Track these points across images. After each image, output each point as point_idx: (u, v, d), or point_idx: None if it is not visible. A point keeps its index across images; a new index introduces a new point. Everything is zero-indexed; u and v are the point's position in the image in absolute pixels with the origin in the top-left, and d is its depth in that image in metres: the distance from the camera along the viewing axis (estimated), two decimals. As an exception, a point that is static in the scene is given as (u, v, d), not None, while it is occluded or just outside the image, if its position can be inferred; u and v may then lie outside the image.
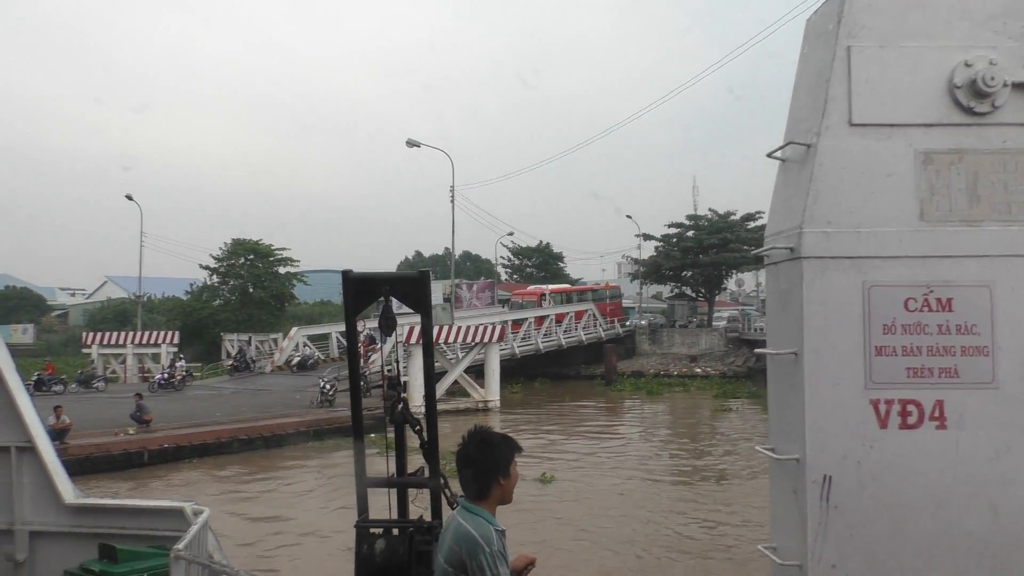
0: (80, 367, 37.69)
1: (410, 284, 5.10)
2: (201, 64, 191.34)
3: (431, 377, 5.39)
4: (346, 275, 5.07)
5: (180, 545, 4.60)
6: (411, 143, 35.62)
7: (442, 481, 5.26)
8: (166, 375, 33.58)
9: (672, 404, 35.22)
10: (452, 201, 38.81)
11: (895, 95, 3.71)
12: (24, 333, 59.36)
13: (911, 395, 3.65)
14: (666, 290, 60.03)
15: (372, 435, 25.04)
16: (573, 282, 75.42)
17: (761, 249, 4.13)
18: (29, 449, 5.64)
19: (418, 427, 5.29)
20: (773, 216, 4.16)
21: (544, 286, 53.55)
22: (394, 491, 5.29)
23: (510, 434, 3.27)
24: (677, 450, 23.53)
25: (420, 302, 5.07)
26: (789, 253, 3.81)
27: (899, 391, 3.65)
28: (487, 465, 3.06)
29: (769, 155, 4.13)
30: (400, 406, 5.24)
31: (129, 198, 44.76)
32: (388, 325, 5.07)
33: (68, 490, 5.64)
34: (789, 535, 3.82)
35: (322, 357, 41.61)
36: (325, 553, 12.42)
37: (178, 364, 35.66)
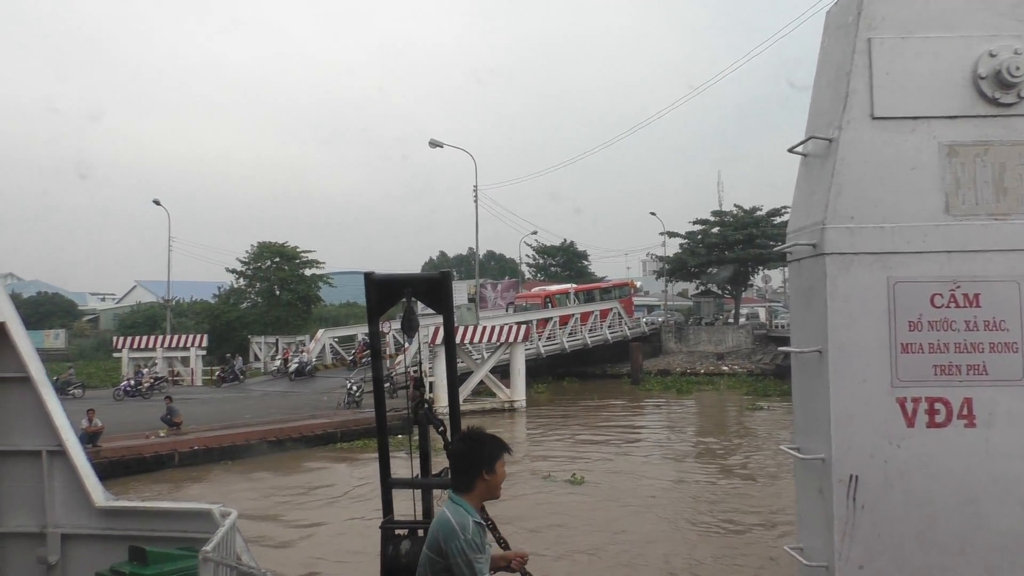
0: (109, 371, 38.16)
1: (432, 285, 5.12)
2: (225, 71, 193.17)
3: (453, 377, 5.40)
4: (368, 277, 5.10)
5: (208, 547, 4.65)
6: (434, 143, 35.70)
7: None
8: (132, 382, 33.61)
9: (702, 402, 34.86)
10: (476, 201, 38.86)
11: (917, 87, 3.66)
12: (56, 338, 60.33)
13: (938, 393, 3.60)
14: (691, 287, 59.65)
15: (399, 436, 25.00)
16: (598, 280, 75.30)
17: (784, 246, 4.09)
18: (60, 453, 5.73)
19: (442, 428, 5.31)
20: (795, 212, 4.12)
21: (548, 287, 52.53)
22: (419, 492, 5.32)
23: (498, 435, 3.43)
24: (707, 450, 23.20)
25: (442, 303, 5.09)
26: (812, 249, 3.77)
27: (926, 389, 3.60)
28: (472, 460, 3.26)
29: (790, 150, 4.09)
30: (424, 407, 5.26)
31: (157, 203, 45.34)
32: (411, 326, 5.09)
33: (98, 493, 5.72)
34: (815, 535, 3.78)
35: (323, 364, 41.72)
36: (352, 554, 12.48)
37: (236, 365, 38.09)
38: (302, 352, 40.85)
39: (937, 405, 3.58)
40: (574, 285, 52.39)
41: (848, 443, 3.57)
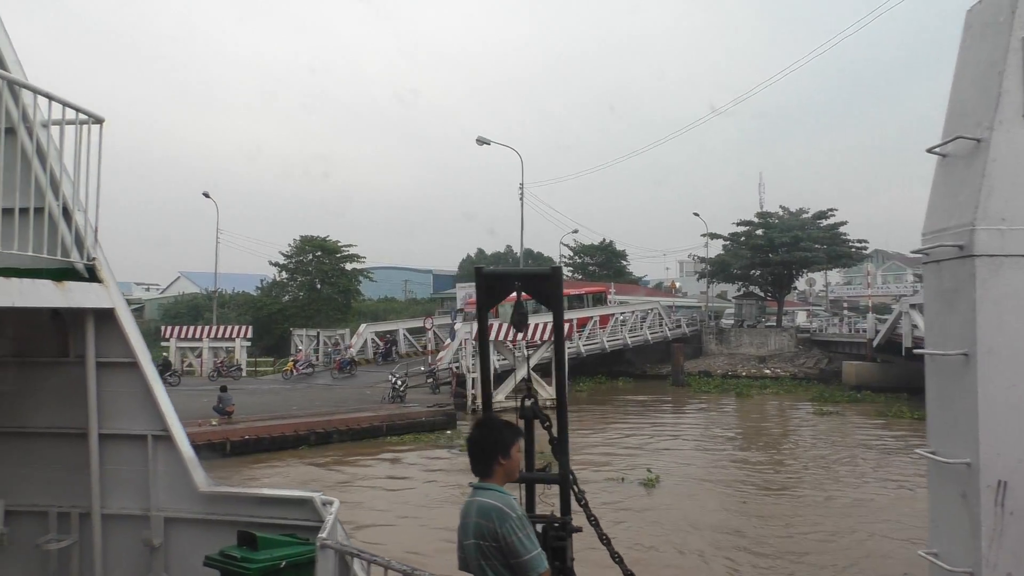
0: (157, 360, 38.87)
1: (541, 280, 5.12)
2: (269, 67, 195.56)
3: (562, 372, 5.39)
4: (479, 271, 5.14)
5: (323, 534, 4.71)
6: (481, 140, 35.76)
7: (571, 477, 5.29)
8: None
9: (761, 406, 34.27)
10: (521, 199, 38.87)
11: None
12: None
13: (1093, 397, 3.52)
14: (733, 289, 59.08)
15: (447, 431, 25.07)
16: (636, 281, 74.84)
17: (921, 248, 4.03)
18: (165, 438, 5.83)
19: (547, 423, 5.32)
20: (933, 213, 4.05)
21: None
22: (522, 487, 5.34)
23: (512, 422, 3.62)
24: (783, 452, 22.69)
25: (551, 297, 5.09)
26: (957, 251, 3.71)
27: (1081, 393, 3.52)
28: (488, 446, 3.41)
29: (930, 150, 4.03)
30: (530, 401, 5.27)
31: (206, 195, 45.96)
32: (520, 321, 5.10)
33: (201, 478, 5.81)
34: (955, 541, 3.72)
35: (364, 359, 42.07)
36: (443, 546, 12.51)
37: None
38: (349, 347, 41.31)
39: (1091, 411, 3.51)
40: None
41: (997, 448, 3.50)
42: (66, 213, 5.51)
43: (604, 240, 71.85)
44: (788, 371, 43.10)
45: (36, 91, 5.03)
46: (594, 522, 5.49)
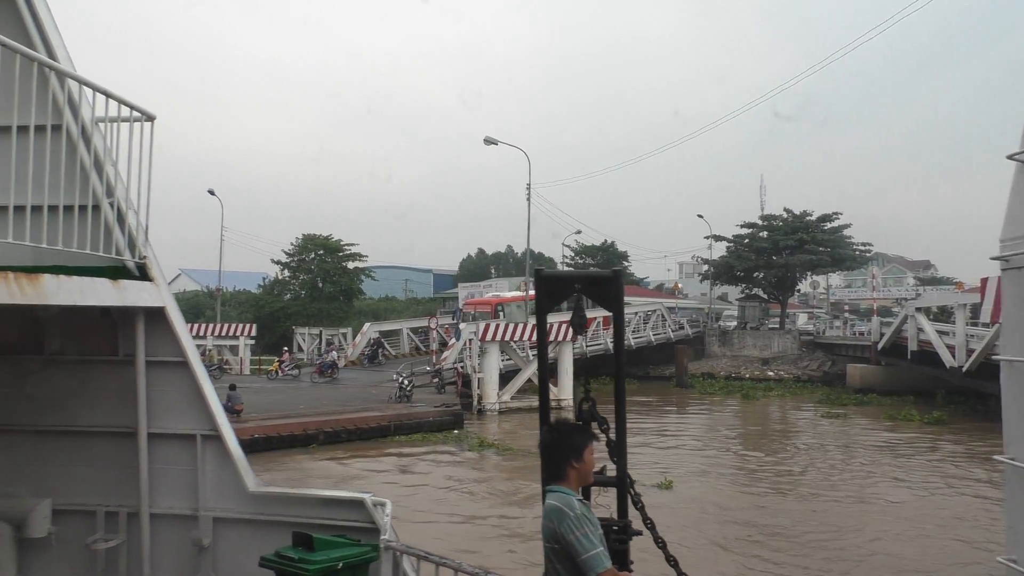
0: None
1: (602, 282, 5.09)
2: (272, 66, 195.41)
3: (621, 374, 5.34)
4: (539, 273, 5.11)
5: (385, 535, 4.69)
6: (488, 140, 35.70)
7: (628, 479, 5.26)
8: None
9: (769, 408, 34.26)
10: (528, 199, 38.79)
11: None
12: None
13: None
14: (735, 291, 59.14)
15: (455, 431, 25.00)
16: (637, 283, 74.85)
17: (1000, 255, 4.02)
18: (214, 437, 5.81)
19: (605, 425, 5.28)
20: (1013, 219, 4.04)
21: (503, 293, 50.59)
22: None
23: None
24: (798, 457, 22.39)
25: (613, 300, 5.06)
26: (1040, 257, 3.70)
27: None
28: (562, 451, 3.46)
29: (1010, 157, 4.02)
30: (588, 404, 5.24)
31: (211, 193, 45.88)
32: (580, 323, 5.08)
33: (251, 478, 5.79)
34: (1037, 547, 3.71)
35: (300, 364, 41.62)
36: (505, 547, 12.51)
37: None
38: (331, 349, 40.76)
39: None
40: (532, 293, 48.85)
41: None
42: (117, 211, 5.49)
43: (605, 241, 71.86)
44: (791, 373, 43.15)
45: (94, 87, 4.99)
46: (650, 525, 5.46)
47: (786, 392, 38.62)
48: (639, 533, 5.01)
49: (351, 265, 56.03)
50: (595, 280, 5.17)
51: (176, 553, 5.81)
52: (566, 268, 74.67)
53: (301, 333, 47.46)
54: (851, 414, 30.98)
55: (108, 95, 5.03)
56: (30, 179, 4.30)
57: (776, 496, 17.22)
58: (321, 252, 54.77)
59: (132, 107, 5.25)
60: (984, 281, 20.88)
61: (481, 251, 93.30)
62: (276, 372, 36.47)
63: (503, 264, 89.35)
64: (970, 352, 27.59)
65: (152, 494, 5.76)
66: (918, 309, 33.91)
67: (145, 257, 5.57)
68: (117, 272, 5.31)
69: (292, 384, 33.94)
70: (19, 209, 4.67)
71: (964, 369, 27.72)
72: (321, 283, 54.52)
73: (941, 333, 31.12)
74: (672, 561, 5.59)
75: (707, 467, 20.42)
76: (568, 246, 68.60)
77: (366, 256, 57.27)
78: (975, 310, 31.51)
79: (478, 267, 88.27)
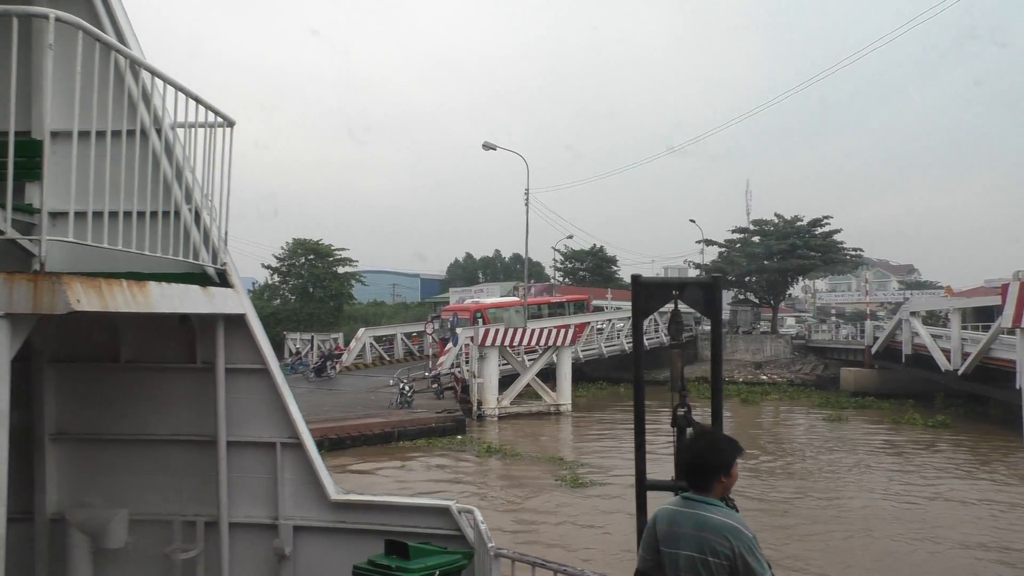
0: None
1: (700, 288, 5.11)
2: (262, 69, 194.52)
3: (719, 385, 5.35)
4: (636, 279, 5.12)
5: (491, 543, 4.66)
6: (487, 146, 35.69)
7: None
8: None
9: (769, 411, 34.24)
10: (527, 204, 38.85)
11: None
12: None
13: None
14: (727, 295, 59.46)
15: (458, 436, 24.93)
16: (627, 287, 74.94)
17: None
18: (295, 445, 5.74)
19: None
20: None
21: (483, 300, 50.18)
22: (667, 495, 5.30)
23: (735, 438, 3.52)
24: (809, 462, 22.37)
25: (710, 306, 5.07)
26: None
27: None
28: (714, 463, 3.35)
29: None
30: (683, 410, 5.24)
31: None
32: (677, 328, 5.09)
33: (331, 487, 5.73)
34: None
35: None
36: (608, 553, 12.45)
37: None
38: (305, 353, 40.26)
39: None
40: (514, 299, 47.11)
41: None
42: (196, 217, 5.42)
43: (595, 246, 71.99)
44: (785, 377, 43.42)
45: (185, 92, 4.91)
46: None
47: (783, 396, 38.78)
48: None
49: (342, 270, 55.79)
50: (692, 286, 5.18)
51: (255, 563, 5.74)
52: (556, 272, 74.78)
53: (292, 338, 47.10)
54: (852, 417, 31.15)
55: (198, 100, 4.98)
56: (122, 185, 4.25)
57: (791, 497, 17.33)
58: (312, 257, 54.48)
59: (216, 111, 5.20)
60: (1005, 287, 21.13)
61: (469, 256, 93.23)
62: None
63: (491, 269, 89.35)
64: (965, 355, 27.90)
65: (230, 503, 5.69)
66: (912, 313, 34.27)
67: (225, 263, 5.51)
68: (198, 279, 5.26)
69: (291, 385, 33.69)
70: (98, 215, 4.56)
71: (960, 372, 28.02)
72: (312, 288, 54.22)
73: (935, 337, 31.44)
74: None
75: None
76: (558, 250, 68.72)
77: (356, 261, 57.09)
78: (966, 314, 31.97)
79: (467, 272, 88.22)
